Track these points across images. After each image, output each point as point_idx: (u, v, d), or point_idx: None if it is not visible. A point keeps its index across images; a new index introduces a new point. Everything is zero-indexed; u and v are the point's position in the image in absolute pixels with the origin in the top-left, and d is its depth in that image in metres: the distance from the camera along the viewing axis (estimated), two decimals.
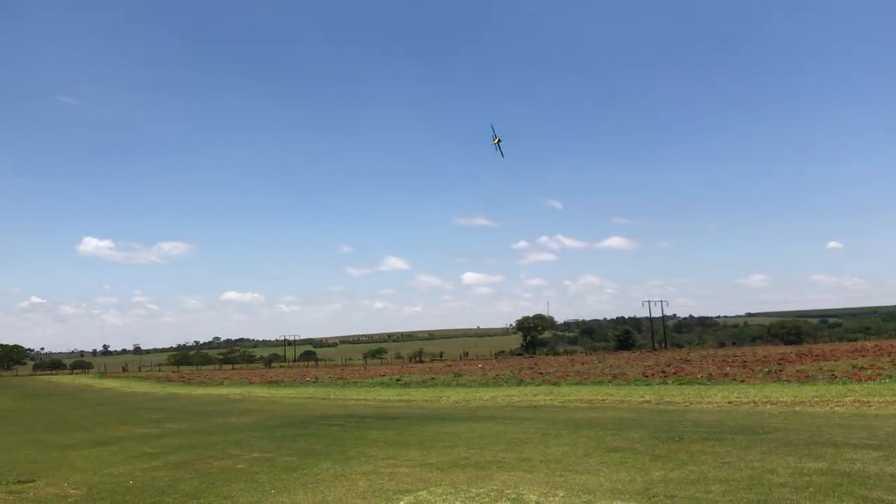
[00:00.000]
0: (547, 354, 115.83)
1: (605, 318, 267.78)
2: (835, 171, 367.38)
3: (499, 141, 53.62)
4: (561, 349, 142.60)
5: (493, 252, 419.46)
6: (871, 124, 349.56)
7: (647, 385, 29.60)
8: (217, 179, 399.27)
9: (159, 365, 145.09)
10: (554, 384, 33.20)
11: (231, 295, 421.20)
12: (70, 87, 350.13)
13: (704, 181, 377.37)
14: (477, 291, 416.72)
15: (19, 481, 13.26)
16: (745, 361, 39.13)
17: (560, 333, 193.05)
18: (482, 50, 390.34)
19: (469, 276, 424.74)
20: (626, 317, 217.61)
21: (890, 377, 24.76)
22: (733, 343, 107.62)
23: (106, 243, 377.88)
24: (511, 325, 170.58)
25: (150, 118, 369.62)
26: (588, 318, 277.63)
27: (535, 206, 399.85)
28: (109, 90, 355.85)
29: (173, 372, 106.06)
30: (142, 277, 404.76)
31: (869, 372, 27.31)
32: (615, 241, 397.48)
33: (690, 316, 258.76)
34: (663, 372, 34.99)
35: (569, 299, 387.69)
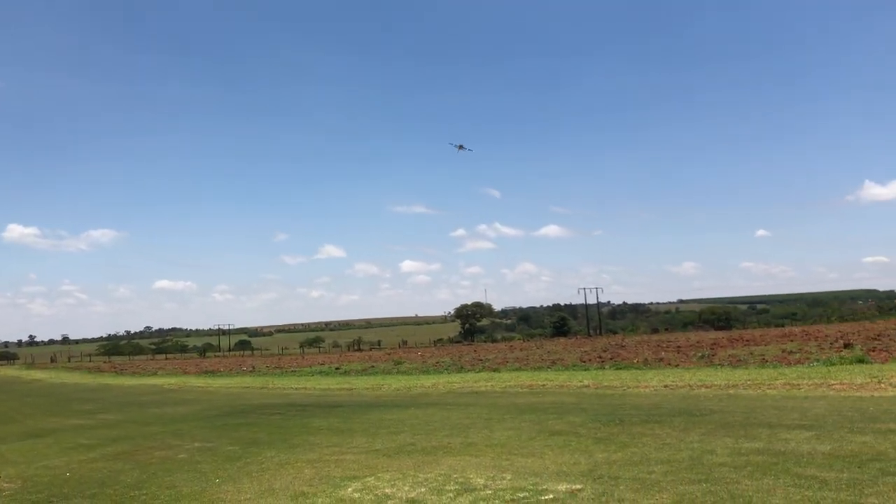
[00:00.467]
0: (485, 341, 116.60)
1: (541, 306, 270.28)
2: (763, 161, 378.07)
3: (461, 147, 55.38)
4: (499, 336, 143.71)
5: (431, 240, 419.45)
6: (796, 116, 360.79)
7: (585, 370, 30.10)
8: (148, 165, 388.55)
9: (90, 355, 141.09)
10: (494, 370, 33.49)
11: (163, 283, 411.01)
12: None
13: (638, 170, 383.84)
14: (415, 279, 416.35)
15: None
16: (678, 346, 40.08)
17: (498, 321, 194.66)
18: (419, 36, 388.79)
19: (407, 265, 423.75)
20: (563, 304, 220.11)
21: (818, 360, 25.69)
22: (666, 329, 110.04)
23: (31, 230, 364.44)
24: (449, 312, 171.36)
25: (77, 102, 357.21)
26: (525, 305, 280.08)
27: (474, 194, 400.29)
28: (34, 72, 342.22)
29: (105, 362, 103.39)
30: (70, 266, 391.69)
31: (798, 356, 28.27)
32: (552, 230, 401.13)
33: (624, 303, 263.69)
34: (600, 357, 35.60)
35: (506, 287, 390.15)
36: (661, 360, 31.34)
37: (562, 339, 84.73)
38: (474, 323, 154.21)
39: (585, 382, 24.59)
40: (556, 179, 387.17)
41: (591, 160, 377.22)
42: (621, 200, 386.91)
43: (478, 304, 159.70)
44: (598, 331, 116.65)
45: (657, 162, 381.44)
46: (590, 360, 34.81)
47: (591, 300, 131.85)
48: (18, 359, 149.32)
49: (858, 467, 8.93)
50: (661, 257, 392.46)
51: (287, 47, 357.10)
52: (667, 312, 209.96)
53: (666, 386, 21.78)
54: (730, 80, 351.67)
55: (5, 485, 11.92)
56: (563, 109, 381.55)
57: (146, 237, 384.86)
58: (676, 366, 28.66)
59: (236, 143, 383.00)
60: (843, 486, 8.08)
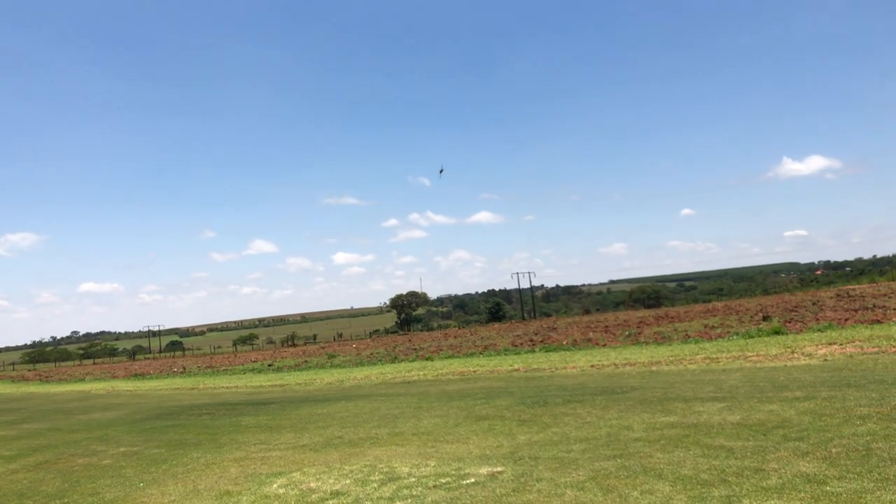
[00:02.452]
0: (422, 330, 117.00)
1: (476, 292, 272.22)
2: (684, 142, 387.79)
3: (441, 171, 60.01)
4: (435, 324, 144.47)
5: (363, 231, 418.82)
6: (714, 96, 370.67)
7: (516, 354, 30.55)
8: (68, 165, 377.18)
9: (13, 364, 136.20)
10: (427, 359, 33.71)
11: (88, 286, 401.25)
12: None
13: (566, 154, 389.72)
14: (349, 271, 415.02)
15: None
16: (607, 326, 40.98)
17: (434, 309, 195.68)
18: (348, 22, 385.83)
19: (340, 257, 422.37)
20: (497, 289, 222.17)
21: (737, 334, 26.63)
22: (597, 309, 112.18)
23: None
24: (385, 303, 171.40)
25: None
26: (461, 292, 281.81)
27: (404, 183, 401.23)
28: None
29: (29, 370, 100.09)
30: None
31: (718, 330, 29.25)
32: (483, 216, 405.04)
33: (557, 286, 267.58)
34: (531, 340, 36.17)
35: (441, 275, 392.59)
36: (590, 340, 32.02)
37: (496, 325, 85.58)
38: (410, 312, 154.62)
39: (516, 366, 24.96)
40: (486, 166, 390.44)
41: (520, 146, 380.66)
42: (551, 186, 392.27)
43: (413, 294, 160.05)
44: (531, 314, 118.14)
45: (584, 146, 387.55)
46: (521, 343, 35.34)
47: (525, 284, 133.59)
48: None
49: (763, 435, 9.37)
50: (591, 239, 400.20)
51: (207, 40, 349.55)
52: (599, 293, 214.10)
53: (592, 366, 22.29)
54: (651, 64, 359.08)
55: None
56: (491, 96, 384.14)
57: (69, 240, 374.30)
58: (604, 346, 29.33)
59: (159, 140, 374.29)
60: (749, 453, 8.47)
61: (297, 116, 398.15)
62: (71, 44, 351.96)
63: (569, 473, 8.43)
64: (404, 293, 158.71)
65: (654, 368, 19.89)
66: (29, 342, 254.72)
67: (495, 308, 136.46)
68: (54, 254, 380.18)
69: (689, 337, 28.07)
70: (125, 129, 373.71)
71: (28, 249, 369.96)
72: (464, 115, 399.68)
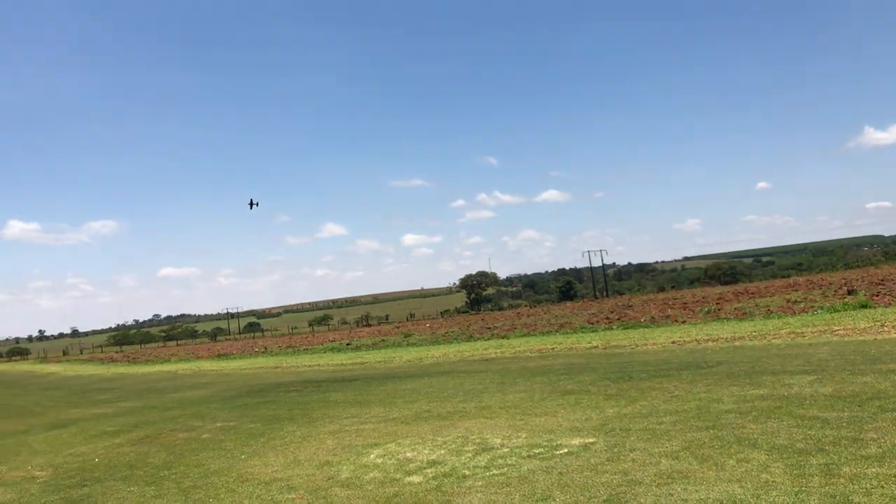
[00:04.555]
0: (492, 310, 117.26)
1: (546, 271, 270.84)
2: (761, 112, 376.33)
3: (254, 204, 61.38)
4: (505, 304, 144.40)
5: (431, 212, 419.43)
6: (792, 65, 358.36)
7: (593, 332, 30.51)
8: (145, 155, 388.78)
9: (101, 346, 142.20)
10: (503, 337, 33.94)
11: (168, 271, 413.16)
12: None
13: (635, 129, 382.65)
14: (418, 253, 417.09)
15: None
16: (684, 303, 40.49)
17: (503, 289, 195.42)
18: (411, 6, 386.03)
19: (409, 238, 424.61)
20: (567, 268, 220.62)
21: (821, 308, 26.04)
22: (672, 287, 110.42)
23: (32, 226, 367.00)
24: (454, 283, 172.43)
25: (68, 95, 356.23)
26: (530, 271, 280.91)
27: (471, 163, 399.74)
28: (22, 67, 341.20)
29: (116, 352, 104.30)
30: (73, 258, 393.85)
31: (802, 305, 28.64)
32: (551, 194, 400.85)
33: (629, 263, 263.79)
34: (607, 318, 36.03)
35: (509, 255, 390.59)
36: (668, 317, 31.73)
37: (568, 304, 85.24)
38: (480, 292, 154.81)
39: (594, 343, 24.98)
40: (554, 144, 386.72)
41: (587, 122, 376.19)
42: (620, 161, 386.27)
43: (482, 274, 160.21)
44: (604, 293, 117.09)
45: (654, 120, 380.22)
46: (597, 321, 35.23)
47: (596, 263, 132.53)
48: (30, 353, 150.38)
49: (859, 406, 9.29)
50: (663, 216, 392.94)
51: (274, 29, 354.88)
52: (672, 270, 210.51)
53: (673, 342, 22.16)
54: (725, 31, 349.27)
55: (37, 473, 12.32)
56: (557, 73, 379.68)
57: (148, 226, 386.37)
58: (683, 322, 29.04)
59: (233, 128, 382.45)
60: (844, 423, 8.43)
61: (364, 102, 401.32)
62: (145, 35, 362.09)
63: (662, 444, 8.54)
64: (473, 273, 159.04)
65: (737, 344, 19.67)
66: (113, 325, 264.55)
67: (566, 287, 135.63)
68: (134, 239, 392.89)
69: (772, 312, 27.56)
70: (199, 119, 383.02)
71: (109, 236, 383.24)
72: (530, 93, 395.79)
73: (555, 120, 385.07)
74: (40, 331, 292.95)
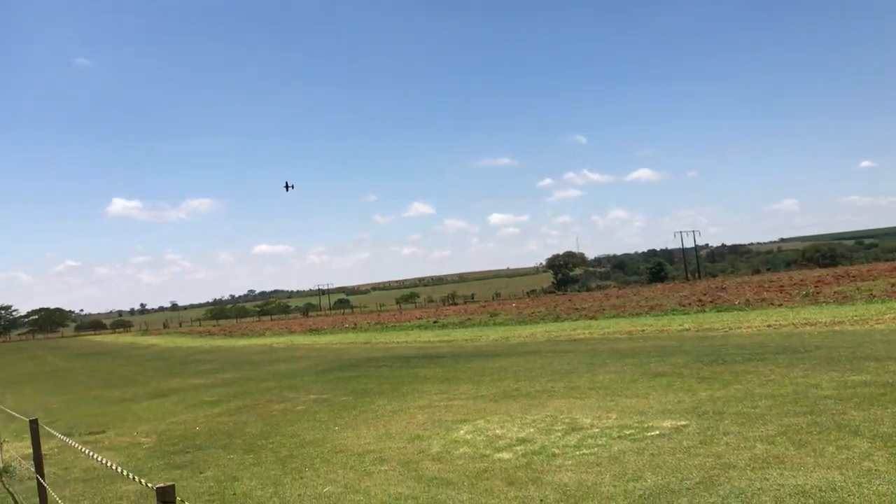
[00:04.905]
0: (579, 291, 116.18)
1: (635, 252, 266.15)
2: (863, 87, 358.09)
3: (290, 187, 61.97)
4: (593, 285, 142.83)
5: (518, 192, 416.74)
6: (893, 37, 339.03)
7: (684, 314, 29.91)
8: (239, 134, 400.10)
9: (198, 320, 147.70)
10: (591, 318, 33.64)
11: (262, 248, 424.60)
12: (83, 48, 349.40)
13: (729, 106, 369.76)
14: (504, 232, 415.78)
15: (91, 433, 14.00)
16: (781, 286, 39.20)
17: (591, 269, 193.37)
18: None
19: (495, 218, 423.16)
20: (658, 249, 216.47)
21: None
22: (767, 269, 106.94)
23: (134, 203, 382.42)
24: (541, 263, 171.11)
25: (166, 75, 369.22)
26: (619, 252, 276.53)
27: (559, 142, 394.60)
28: (123, 48, 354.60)
29: (214, 326, 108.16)
30: (172, 235, 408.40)
31: None
32: (642, 173, 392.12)
33: (723, 244, 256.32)
34: (700, 301, 35.23)
35: (598, 235, 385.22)
36: (764, 300, 30.81)
37: (659, 285, 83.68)
38: (567, 273, 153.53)
39: (686, 326, 24.53)
40: (645, 121, 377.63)
41: (679, 99, 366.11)
42: (715, 139, 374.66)
43: (569, 254, 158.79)
44: (696, 274, 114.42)
45: (749, 96, 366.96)
46: (689, 303, 34.50)
47: (688, 243, 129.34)
48: (133, 326, 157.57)
49: None
50: (759, 196, 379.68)
51: (370, 11, 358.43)
52: (768, 252, 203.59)
53: (769, 325, 21.55)
54: (825, 5, 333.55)
55: (143, 439, 12.99)
56: (646, 47, 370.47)
57: (243, 204, 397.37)
58: (779, 305, 28.16)
59: (324, 109, 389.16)
60: None
61: (451, 81, 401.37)
62: (242, 13, 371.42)
63: (757, 428, 8.37)
64: (560, 253, 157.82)
65: (837, 328, 18.99)
66: (210, 300, 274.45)
67: (657, 268, 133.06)
68: (230, 217, 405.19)
69: (874, 296, 26.40)
70: (291, 98, 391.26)
71: (206, 214, 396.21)
72: (621, 70, 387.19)
73: (646, 97, 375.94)
74: (142, 304, 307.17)
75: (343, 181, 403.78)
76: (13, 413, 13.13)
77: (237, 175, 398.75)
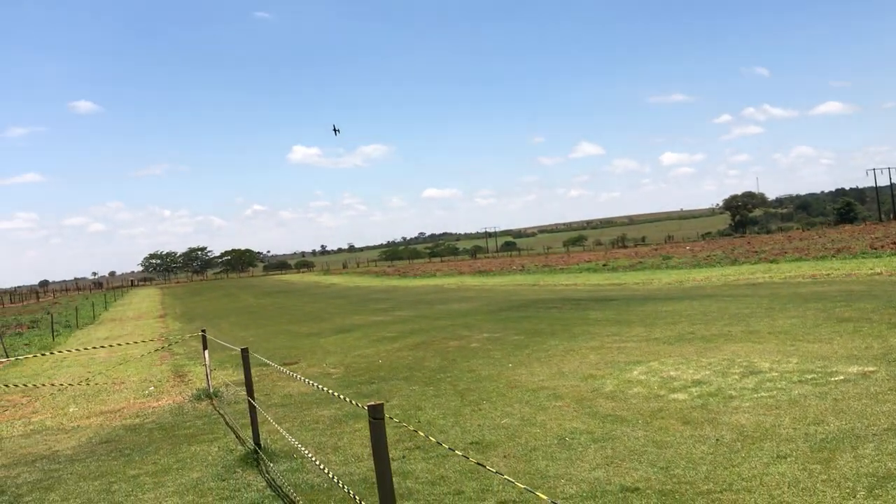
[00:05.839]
0: (758, 233, 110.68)
1: (821, 192, 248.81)
2: None
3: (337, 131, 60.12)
4: (774, 227, 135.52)
5: (692, 129, 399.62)
6: None
7: (876, 258, 27.98)
8: (411, 81, 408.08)
9: (374, 261, 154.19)
10: (771, 262, 32.19)
11: (431, 192, 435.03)
12: (263, 2, 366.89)
13: None
14: (677, 172, 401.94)
15: (284, 363, 15.24)
16: None
17: (772, 210, 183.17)
18: None
19: (668, 157, 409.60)
20: (847, 188, 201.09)
21: None
22: None
23: (314, 150, 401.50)
24: (717, 204, 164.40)
25: (340, 28, 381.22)
26: (803, 192, 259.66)
27: (737, 75, 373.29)
28: (302, 4, 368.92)
29: (388, 266, 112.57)
30: (348, 180, 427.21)
31: None
32: (831, 107, 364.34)
33: None
34: (894, 243, 32.77)
35: (780, 173, 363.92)
36: None
37: (847, 227, 78.32)
38: (745, 214, 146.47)
39: (877, 270, 23.01)
40: (835, 49, 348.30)
41: (872, 23, 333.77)
42: None
43: (749, 194, 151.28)
44: (891, 215, 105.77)
45: None
46: (882, 246, 32.20)
47: (883, 182, 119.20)
48: (315, 266, 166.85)
49: None
50: None
51: None
52: None
53: None
54: None
55: (331, 370, 14.03)
56: None
57: (413, 149, 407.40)
58: None
59: (487, 49, 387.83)
60: None
61: (620, 12, 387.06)
62: None
63: None
64: (739, 194, 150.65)
65: None
66: (384, 242, 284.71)
67: (845, 208, 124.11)
68: (401, 162, 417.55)
69: None
70: (456, 41, 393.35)
71: (379, 159, 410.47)
72: None
73: (835, 24, 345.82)
74: (322, 246, 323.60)
75: (508, 123, 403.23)
76: (224, 343, 14.55)
77: (405, 121, 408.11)
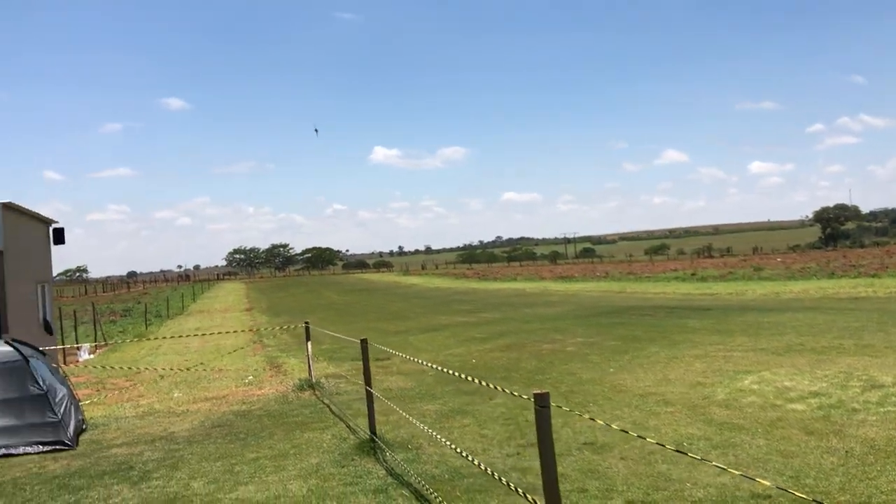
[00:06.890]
0: (851, 247, 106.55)
1: None
2: None
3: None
4: (867, 241, 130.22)
5: (782, 138, 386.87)
6: None
7: None
8: (488, 83, 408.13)
9: (453, 263, 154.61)
10: (873, 276, 31.00)
11: (510, 196, 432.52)
12: (347, 2, 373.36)
13: None
14: (765, 182, 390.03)
15: (377, 359, 15.40)
16: None
17: (866, 224, 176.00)
18: None
19: (756, 166, 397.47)
20: None
21: None
22: None
23: (394, 152, 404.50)
24: (807, 216, 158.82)
25: (421, 28, 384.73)
26: None
27: (832, 82, 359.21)
28: (382, 9, 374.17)
29: (467, 269, 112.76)
30: (427, 182, 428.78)
31: None
32: None
33: None
34: None
35: (876, 186, 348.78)
36: None
37: None
38: (837, 227, 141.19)
39: None
40: None
41: None
42: None
43: (841, 206, 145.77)
44: None
45: None
46: None
47: None
48: (393, 266, 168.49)
49: None
50: None
51: None
52: None
53: None
54: None
55: (425, 367, 14.13)
56: None
57: (492, 152, 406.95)
58: None
59: (569, 55, 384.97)
60: None
61: (707, 14, 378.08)
62: None
63: None
64: (830, 206, 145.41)
65: None
66: (461, 245, 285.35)
67: None
68: (480, 165, 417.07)
69: None
70: (539, 46, 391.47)
71: (458, 162, 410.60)
72: None
73: None
74: (400, 247, 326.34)
75: (591, 129, 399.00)
76: (335, 334, 14.83)
77: (486, 124, 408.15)
